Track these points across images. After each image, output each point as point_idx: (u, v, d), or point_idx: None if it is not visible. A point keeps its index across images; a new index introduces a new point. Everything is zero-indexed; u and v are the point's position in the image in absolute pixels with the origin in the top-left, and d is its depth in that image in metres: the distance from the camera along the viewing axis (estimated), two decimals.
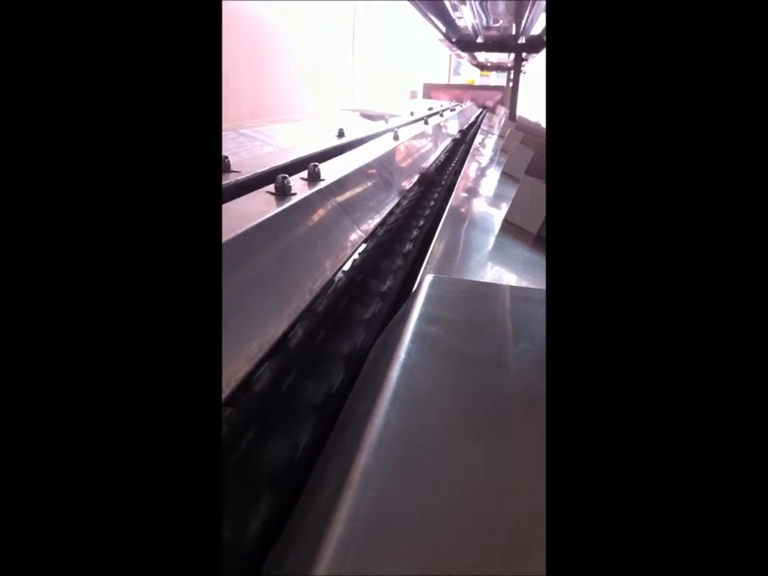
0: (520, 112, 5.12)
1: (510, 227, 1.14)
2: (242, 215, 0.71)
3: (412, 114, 2.88)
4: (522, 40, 4.83)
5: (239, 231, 0.66)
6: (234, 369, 0.50)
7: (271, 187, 0.86)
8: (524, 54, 5.14)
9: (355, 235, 0.94)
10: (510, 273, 0.93)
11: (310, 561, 0.25)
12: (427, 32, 4.95)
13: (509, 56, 5.86)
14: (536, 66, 5.85)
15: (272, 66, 3.69)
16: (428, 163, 1.83)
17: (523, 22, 3.99)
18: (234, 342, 0.52)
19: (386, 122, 2.34)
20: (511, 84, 5.47)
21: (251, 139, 1.37)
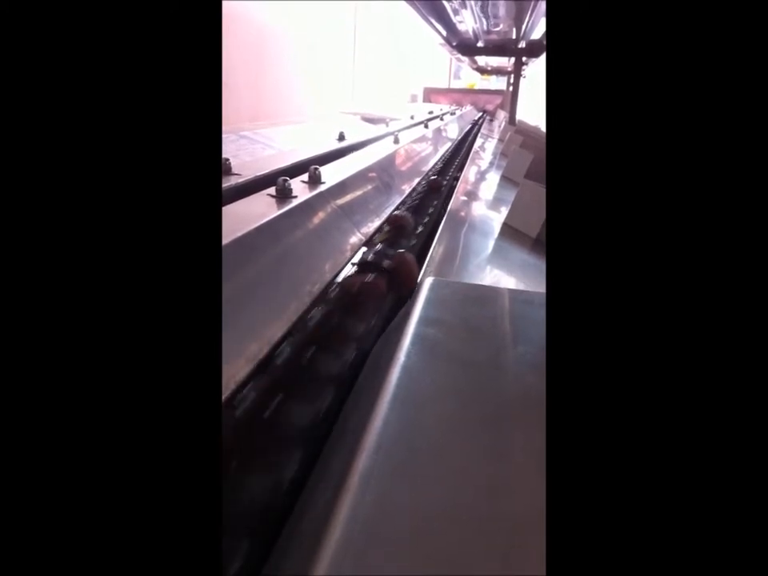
0: (520, 116, 5.13)
1: (509, 231, 1.14)
2: (242, 218, 0.72)
3: (412, 117, 2.89)
4: (522, 44, 4.85)
5: (239, 234, 0.66)
6: (234, 370, 0.50)
7: (272, 190, 0.86)
8: (524, 59, 5.15)
9: (355, 238, 0.94)
10: (509, 276, 0.93)
11: (309, 563, 0.25)
12: (428, 35, 4.97)
13: (509, 60, 5.88)
14: (536, 71, 5.86)
15: (271, 68, 3.69)
16: (428, 166, 1.83)
17: (523, 26, 4.01)
18: (232, 344, 0.52)
19: (387, 125, 2.34)
20: (511, 88, 5.48)
21: (252, 142, 1.37)
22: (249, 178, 0.96)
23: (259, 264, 0.66)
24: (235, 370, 0.50)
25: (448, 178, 1.73)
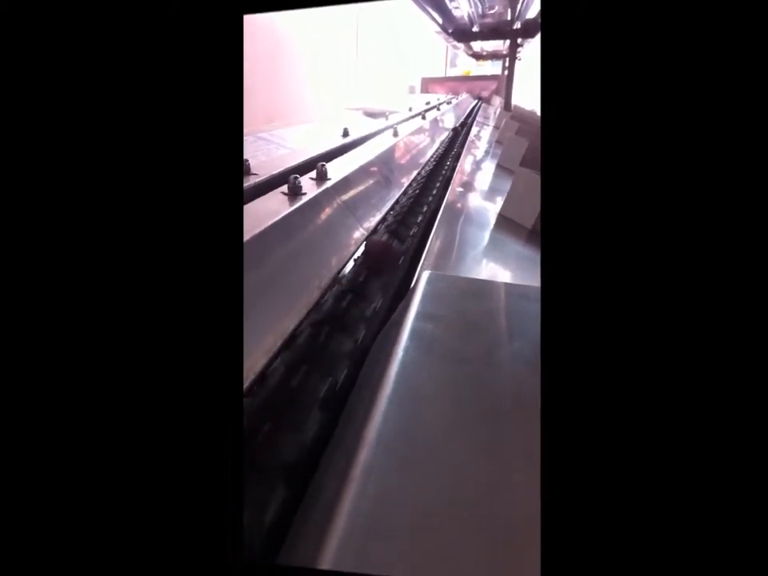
0: (516, 101, 5.09)
1: (504, 222, 1.11)
2: (259, 215, 0.77)
3: (410, 109, 2.97)
4: (517, 25, 4.77)
5: (256, 231, 0.71)
6: (253, 362, 0.54)
7: (285, 188, 0.92)
8: (519, 40, 5.08)
9: (357, 232, 1.01)
10: (505, 269, 0.94)
11: (314, 555, 0.26)
12: (424, 26, 4.92)
13: (504, 43, 5.80)
14: (531, 54, 5.80)
15: (283, 70, 3.71)
16: (425, 158, 1.88)
17: (518, 6, 3.96)
18: (252, 332, 0.56)
19: (386, 119, 2.42)
20: (506, 72, 5.41)
21: (267, 142, 1.46)
22: (266, 177, 1.02)
23: (269, 259, 0.71)
24: (254, 361, 0.55)
25: (445, 168, 1.77)
